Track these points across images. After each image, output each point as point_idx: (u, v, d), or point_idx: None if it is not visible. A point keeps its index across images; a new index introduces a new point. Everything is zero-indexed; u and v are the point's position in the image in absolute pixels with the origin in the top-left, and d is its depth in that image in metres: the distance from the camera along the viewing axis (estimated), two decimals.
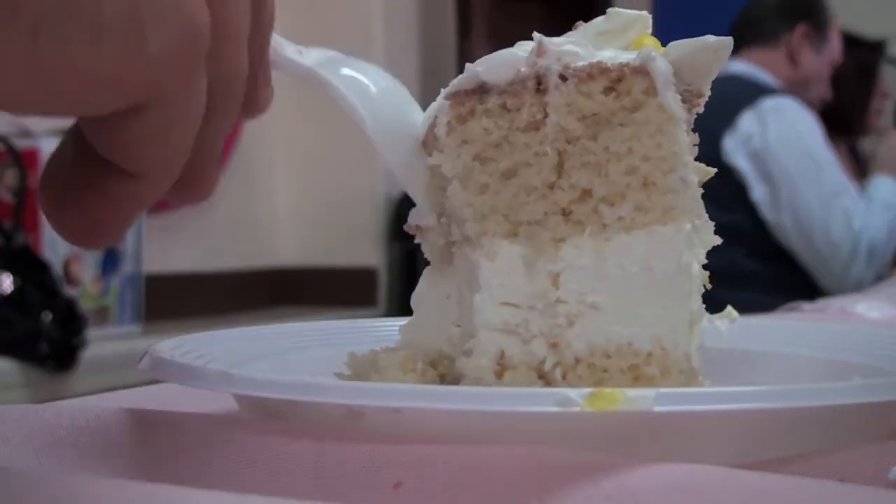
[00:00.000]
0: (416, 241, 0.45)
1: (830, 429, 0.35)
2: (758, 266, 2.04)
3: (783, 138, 2.01)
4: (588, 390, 0.30)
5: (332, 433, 0.32)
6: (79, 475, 0.31)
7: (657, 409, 0.30)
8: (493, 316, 0.39)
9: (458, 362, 0.40)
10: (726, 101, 1.99)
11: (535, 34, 0.40)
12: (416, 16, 2.87)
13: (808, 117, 2.07)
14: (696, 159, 0.43)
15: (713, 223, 0.41)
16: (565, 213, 0.40)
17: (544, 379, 0.39)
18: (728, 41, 0.41)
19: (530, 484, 0.29)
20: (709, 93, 0.42)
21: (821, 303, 1.29)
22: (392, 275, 2.72)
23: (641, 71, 0.38)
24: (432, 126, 0.42)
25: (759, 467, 0.31)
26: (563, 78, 0.39)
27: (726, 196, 1.98)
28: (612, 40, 0.42)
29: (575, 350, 0.39)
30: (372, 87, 0.43)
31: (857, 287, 1.93)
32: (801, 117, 2.05)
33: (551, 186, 0.40)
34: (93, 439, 0.36)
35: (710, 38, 0.41)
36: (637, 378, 0.38)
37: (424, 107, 0.44)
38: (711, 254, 0.41)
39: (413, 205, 0.44)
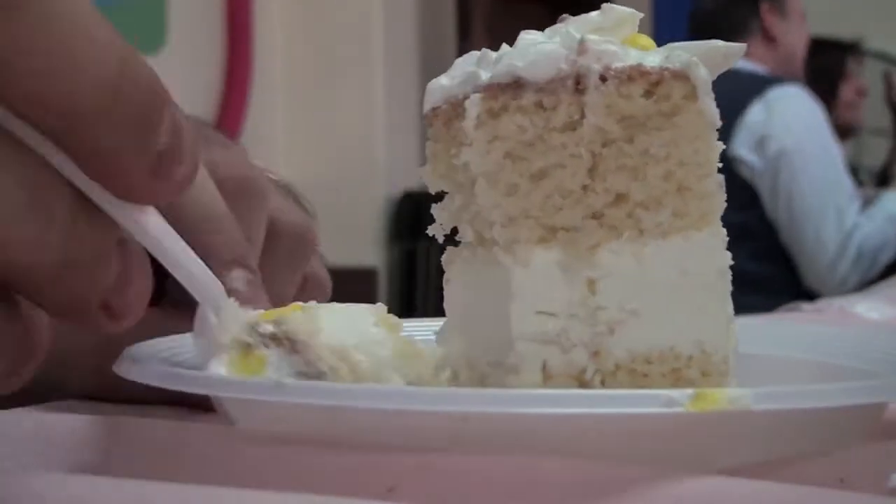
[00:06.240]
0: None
1: (811, 431, 0.36)
2: (760, 268, 2.03)
3: (789, 124, 2.00)
4: (690, 391, 0.31)
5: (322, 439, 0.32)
6: (70, 476, 0.31)
7: (755, 407, 0.31)
8: (529, 325, 0.38)
9: (499, 376, 0.39)
10: (735, 97, 1.99)
11: (565, 18, 0.40)
12: (416, 16, 2.87)
13: (816, 108, 2.07)
14: None
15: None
16: (597, 217, 0.39)
17: (584, 386, 0.38)
18: (740, 47, 0.41)
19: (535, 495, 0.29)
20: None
21: (820, 303, 1.29)
22: (392, 275, 2.71)
23: (681, 75, 0.38)
24: (436, 109, 0.41)
25: (755, 469, 0.31)
26: (603, 79, 0.38)
27: (735, 196, 1.97)
28: (605, 37, 0.41)
29: (616, 357, 0.38)
30: None
31: (841, 288, 1.92)
32: (809, 106, 2.05)
33: (584, 189, 0.39)
34: (85, 441, 0.35)
35: (720, 42, 0.41)
36: (678, 381, 0.38)
37: None
38: None
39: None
